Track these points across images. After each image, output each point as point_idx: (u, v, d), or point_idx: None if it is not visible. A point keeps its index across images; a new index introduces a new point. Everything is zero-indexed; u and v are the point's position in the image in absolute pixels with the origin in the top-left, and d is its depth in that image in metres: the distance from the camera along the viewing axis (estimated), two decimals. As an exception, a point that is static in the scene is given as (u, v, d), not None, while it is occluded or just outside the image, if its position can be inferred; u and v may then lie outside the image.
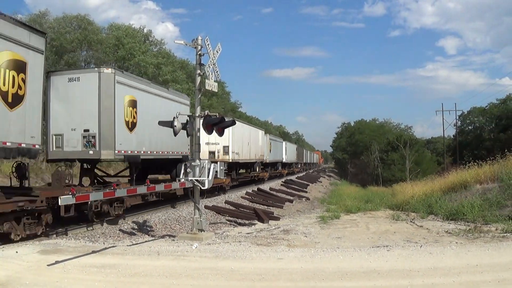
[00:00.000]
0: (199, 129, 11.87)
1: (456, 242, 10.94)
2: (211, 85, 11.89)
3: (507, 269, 7.78)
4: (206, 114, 11.83)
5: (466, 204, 15.85)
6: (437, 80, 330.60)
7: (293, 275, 7.50)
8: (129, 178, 16.65)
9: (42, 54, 11.10)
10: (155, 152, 16.87)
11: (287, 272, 7.65)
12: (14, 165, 12.37)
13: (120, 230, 13.56)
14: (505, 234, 11.74)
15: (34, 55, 10.70)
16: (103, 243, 10.95)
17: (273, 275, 7.53)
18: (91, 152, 13.62)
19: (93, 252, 9.15)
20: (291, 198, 29.86)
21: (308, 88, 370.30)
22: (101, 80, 13.68)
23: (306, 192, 38.66)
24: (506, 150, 22.53)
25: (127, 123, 14.87)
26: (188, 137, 12.71)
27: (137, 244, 10.65)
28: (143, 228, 14.25)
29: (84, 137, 13.63)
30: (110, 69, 14.09)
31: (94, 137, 13.56)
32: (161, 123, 12.57)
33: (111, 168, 26.32)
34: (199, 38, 11.73)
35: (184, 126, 11.89)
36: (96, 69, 14.34)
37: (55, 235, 11.96)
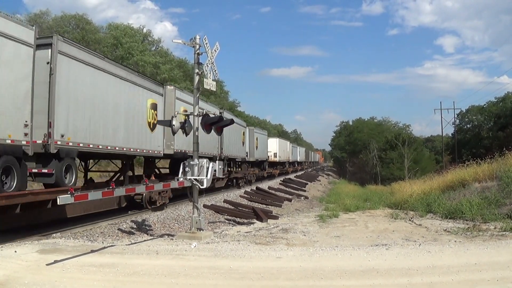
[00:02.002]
0: (197, 128, 11.88)
1: (455, 241, 10.95)
2: (210, 84, 11.88)
3: (505, 267, 7.78)
4: (204, 113, 11.83)
5: (465, 203, 15.87)
6: (436, 79, 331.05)
7: (292, 274, 7.50)
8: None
9: None
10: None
11: (286, 271, 7.65)
12: None
13: (119, 229, 13.55)
14: (503, 233, 11.76)
15: None
16: (102, 242, 10.93)
17: (272, 274, 7.53)
18: None
19: (92, 251, 9.14)
20: (290, 197, 29.84)
21: (306, 87, 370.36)
22: None
23: (305, 191, 38.65)
24: (504, 149, 22.59)
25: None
26: (185, 135, 12.43)
27: (136, 243, 10.64)
28: (142, 228, 14.23)
29: None
30: None
31: None
32: (160, 122, 12.55)
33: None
34: (197, 37, 11.72)
35: (182, 125, 11.88)
36: None
37: (54, 234, 11.94)
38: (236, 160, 31.71)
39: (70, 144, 12.35)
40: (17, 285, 6.71)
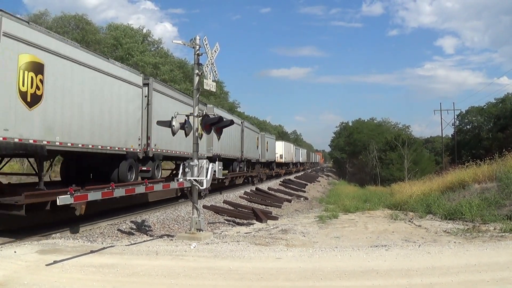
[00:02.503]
0: (197, 129, 11.89)
1: (455, 242, 10.95)
2: (209, 84, 11.88)
3: (505, 268, 7.79)
4: (204, 113, 11.83)
5: (465, 204, 15.86)
6: (436, 80, 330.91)
7: (292, 274, 7.50)
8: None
9: None
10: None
11: (285, 272, 7.65)
12: None
13: (118, 230, 13.54)
14: (503, 234, 11.76)
15: None
16: (102, 243, 10.94)
17: (271, 274, 7.53)
18: None
19: (92, 252, 9.14)
20: (290, 197, 29.87)
21: (306, 87, 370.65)
22: None
23: (305, 191, 38.67)
24: (504, 150, 22.61)
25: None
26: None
27: (135, 243, 10.64)
28: (142, 228, 14.24)
29: None
30: None
31: None
32: (160, 123, 12.55)
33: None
34: (197, 37, 11.72)
35: (182, 126, 11.89)
36: None
37: (53, 234, 11.94)
38: (252, 161, 36.79)
39: (159, 150, 17.60)
40: (17, 285, 6.72)
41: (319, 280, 7.21)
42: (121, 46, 40.40)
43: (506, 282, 6.99)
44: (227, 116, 29.19)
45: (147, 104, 16.72)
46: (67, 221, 12.95)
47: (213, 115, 12.66)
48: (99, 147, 13.58)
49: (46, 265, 7.85)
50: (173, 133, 12.10)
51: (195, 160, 11.64)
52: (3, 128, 9.54)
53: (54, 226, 12.34)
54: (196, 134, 11.96)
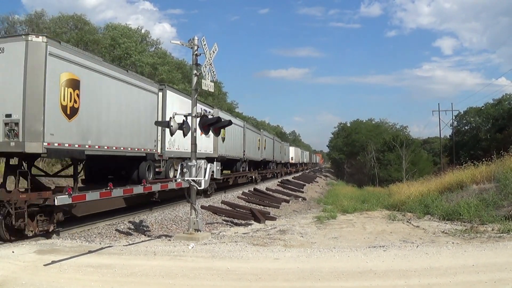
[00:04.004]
0: (195, 129, 11.89)
1: (453, 242, 10.96)
2: (208, 85, 11.88)
3: (503, 269, 7.80)
4: (202, 114, 11.83)
5: (463, 204, 15.87)
6: (434, 80, 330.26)
7: (290, 275, 7.50)
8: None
9: None
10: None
11: (283, 272, 7.66)
12: None
13: (116, 230, 13.54)
14: (501, 235, 11.78)
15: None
16: (100, 243, 10.94)
17: (269, 275, 7.53)
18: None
19: (90, 252, 9.13)
20: (288, 198, 29.87)
21: (304, 88, 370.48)
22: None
23: (303, 192, 38.67)
24: (502, 150, 22.60)
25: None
26: (173, 134, 12.62)
27: (133, 244, 10.63)
28: (140, 228, 14.23)
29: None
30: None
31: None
32: (158, 123, 12.56)
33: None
34: (196, 38, 11.74)
35: (181, 126, 11.89)
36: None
37: (51, 235, 11.92)
38: (277, 162, 52.94)
39: (172, 151, 18.96)
40: (15, 285, 6.71)
41: (317, 281, 7.22)
42: (119, 46, 40.29)
43: (504, 283, 7.00)
44: (252, 129, 39.53)
45: (162, 108, 17.89)
46: (65, 221, 12.94)
47: (211, 115, 12.65)
48: (128, 148, 15.08)
49: (44, 265, 7.85)
50: (171, 133, 12.11)
51: (193, 161, 11.64)
52: (50, 136, 10.91)
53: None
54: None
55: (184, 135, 12.22)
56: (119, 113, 14.49)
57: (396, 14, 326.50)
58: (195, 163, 11.60)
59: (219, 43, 12.32)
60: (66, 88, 11.49)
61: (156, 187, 16.16)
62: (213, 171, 12.00)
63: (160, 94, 17.93)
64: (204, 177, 11.57)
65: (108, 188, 12.61)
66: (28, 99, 10.38)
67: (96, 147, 13.08)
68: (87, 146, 12.59)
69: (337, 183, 69.31)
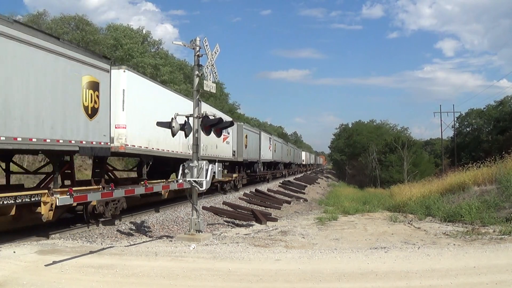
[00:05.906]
0: (197, 130, 11.89)
1: (454, 244, 10.95)
2: (209, 86, 11.88)
3: (504, 271, 7.79)
4: (204, 115, 11.83)
5: (464, 206, 15.87)
6: (435, 82, 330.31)
7: (291, 276, 7.50)
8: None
9: None
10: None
11: (284, 273, 7.65)
12: None
13: (117, 230, 13.54)
14: (502, 236, 11.76)
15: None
16: (101, 243, 10.93)
17: (270, 276, 7.53)
18: None
19: (91, 252, 9.13)
20: (289, 199, 29.84)
21: (306, 89, 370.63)
22: None
23: (304, 193, 38.61)
24: (504, 152, 22.59)
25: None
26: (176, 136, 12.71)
27: (134, 244, 10.64)
28: (141, 229, 14.23)
29: None
30: None
31: None
32: (159, 123, 12.55)
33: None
34: (198, 39, 11.73)
35: (182, 127, 11.88)
36: None
37: (53, 235, 11.93)
38: (291, 163, 63.65)
39: (205, 154, 20.22)
40: (16, 285, 6.71)
41: (318, 282, 7.21)
42: (121, 47, 40.31)
43: (505, 284, 6.99)
44: (266, 135, 44.10)
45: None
46: (65, 221, 12.97)
47: (213, 116, 12.64)
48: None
49: (45, 265, 7.84)
50: (173, 134, 12.07)
51: (195, 162, 11.63)
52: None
53: (53, 226, 12.33)
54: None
55: (186, 135, 12.23)
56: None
57: (397, 16, 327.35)
58: (197, 164, 11.59)
59: (221, 44, 12.37)
60: None
61: (158, 188, 16.00)
62: (214, 172, 11.99)
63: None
64: (206, 178, 11.56)
65: (110, 189, 12.59)
66: None
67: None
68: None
69: (339, 184, 69.33)
